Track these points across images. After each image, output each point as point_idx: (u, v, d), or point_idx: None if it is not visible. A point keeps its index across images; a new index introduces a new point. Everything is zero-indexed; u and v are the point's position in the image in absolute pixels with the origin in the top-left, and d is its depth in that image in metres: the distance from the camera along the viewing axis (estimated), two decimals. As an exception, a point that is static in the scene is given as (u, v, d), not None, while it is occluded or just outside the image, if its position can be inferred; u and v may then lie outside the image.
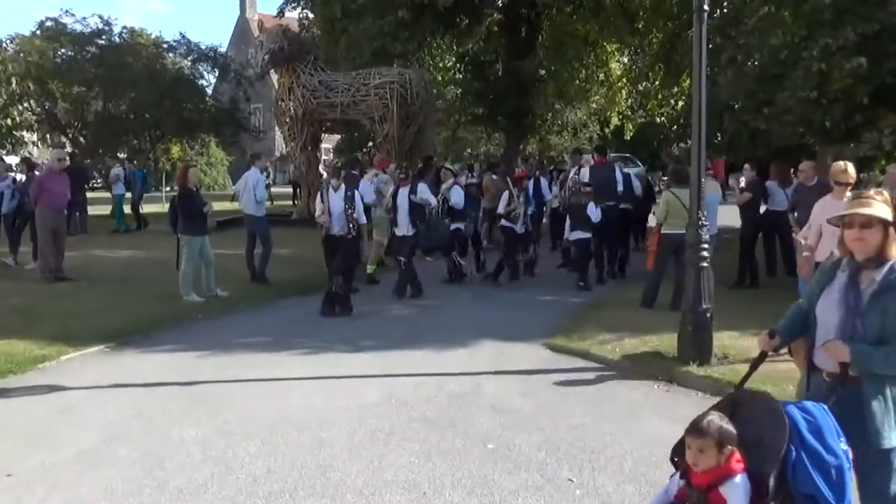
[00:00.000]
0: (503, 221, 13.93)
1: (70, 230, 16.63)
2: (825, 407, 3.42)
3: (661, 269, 11.62)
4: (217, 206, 25.08)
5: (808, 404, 3.43)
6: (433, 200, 13.45)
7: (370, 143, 28.62)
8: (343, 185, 11.80)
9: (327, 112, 23.37)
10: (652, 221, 14.56)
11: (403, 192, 13.09)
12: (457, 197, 14.06)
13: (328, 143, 39.57)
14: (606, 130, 40.03)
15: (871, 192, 3.75)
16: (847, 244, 3.74)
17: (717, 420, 3.39)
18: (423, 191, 13.33)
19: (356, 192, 12.04)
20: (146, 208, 24.93)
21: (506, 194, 13.79)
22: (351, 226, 11.55)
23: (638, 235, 17.87)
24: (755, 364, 3.92)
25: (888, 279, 3.60)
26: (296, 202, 29.62)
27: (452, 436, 6.32)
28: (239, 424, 6.61)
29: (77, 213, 20.87)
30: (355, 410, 6.99)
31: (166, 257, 13.96)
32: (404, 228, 13.02)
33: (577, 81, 30.37)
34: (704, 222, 8.62)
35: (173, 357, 8.99)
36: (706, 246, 8.57)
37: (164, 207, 16.43)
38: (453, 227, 13.89)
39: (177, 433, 6.41)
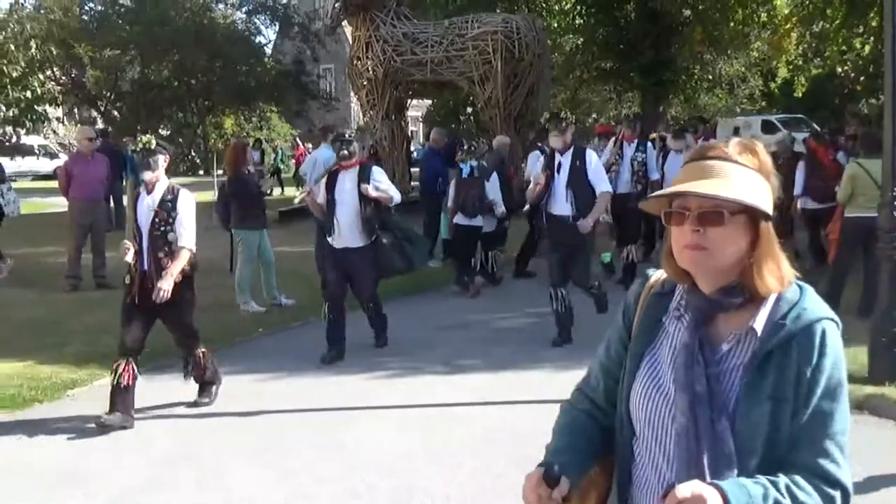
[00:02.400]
0: None
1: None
2: None
3: (845, 263, 11.33)
4: (279, 192, 25.54)
5: None
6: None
7: (469, 110, 28.76)
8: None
9: (414, 72, 23.47)
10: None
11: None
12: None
13: (416, 110, 39.84)
14: (772, 85, 39.32)
15: (732, 142, 2.39)
16: (677, 257, 2.37)
17: None
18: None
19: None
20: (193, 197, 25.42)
21: None
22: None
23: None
24: None
25: (779, 330, 2.27)
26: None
27: (577, 480, 6.25)
28: (308, 466, 6.71)
29: (111, 205, 21.47)
30: (455, 448, 7.02)
31: (217, 258, 14.22)
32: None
33: (733, 24, 29.88)
34: (903, 201, 8.38)
35: (228, 381, 9.10)
36: (906, 233, 8.33)
37: (215, 196, 16.70)
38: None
39: (233, 476, 6.52)
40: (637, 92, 31.28)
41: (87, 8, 31.84)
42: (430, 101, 34.22)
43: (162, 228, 7.90)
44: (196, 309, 8.51)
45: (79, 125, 26.57)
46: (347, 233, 9.94)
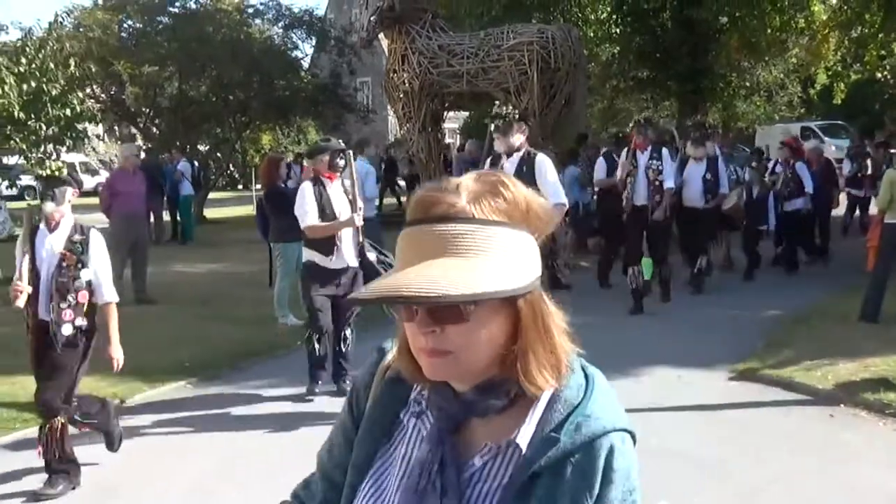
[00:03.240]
0: None
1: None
2: None
3: (885, 270, 11.28)
4: (318, 205, 25.62)
5: None
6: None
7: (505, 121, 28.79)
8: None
9: (450, 83, 23.51)
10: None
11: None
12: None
13: (453, 122, 39.94)
14: (811, 91, 39.07)
15: (466, 183, 1.69)
16: (416, 356, 1.71)
17: None
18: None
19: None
20: (231, 211, 25.69)
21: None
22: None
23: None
24: None
25: (550, 445, 1.66)
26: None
27: (615, 490, 6.26)
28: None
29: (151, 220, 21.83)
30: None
31: (257, 272, 14.38)
32: None
33: (770, 30, 29.70)
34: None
35: (269, 395, 9.23)
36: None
37: (254, 211, 16.87)
38: None
39: (275, 494, 6.55)
40: (674, 100, 31.18)
41: (125, 26, 32.14)
42: (466, 113, 34.29)
43: (69, 275, 6.62)
44: (83, 372, 7.08)
45: (120, 142, 26.91)
46: (346, 249, 9.14)
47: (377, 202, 15.14)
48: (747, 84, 33.61)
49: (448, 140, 34.23)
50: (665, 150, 13.14)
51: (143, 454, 7.44)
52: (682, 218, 14.50)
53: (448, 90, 24.03)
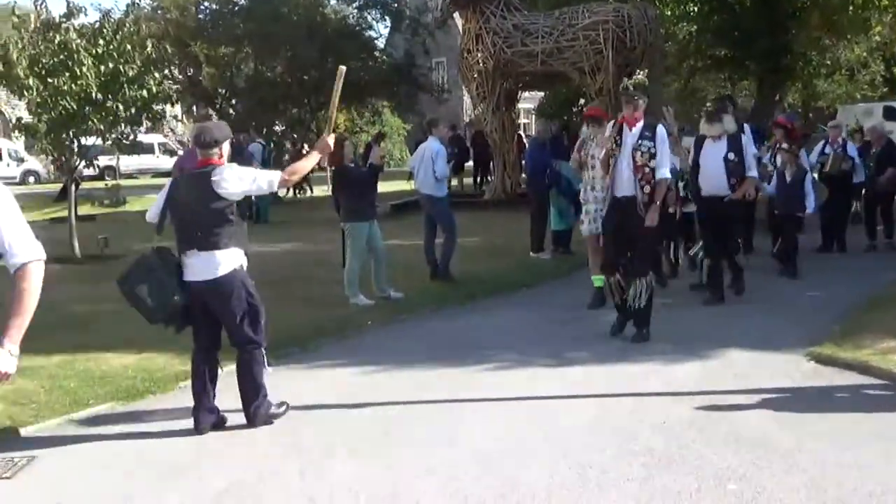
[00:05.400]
0: None
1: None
2: None
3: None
4: (392, 185, 25.86)
5: None
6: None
7: (581, 101, 28.59)
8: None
9: (525, 63, 23.47)
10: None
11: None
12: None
13: (527, 102, 39.74)
14: (895, 70, 38.30)
15: None
16: None
17: None
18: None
19: None
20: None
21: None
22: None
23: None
24: None
25: None
26: (487, 178, 29.97)
27: (683, 473, 6.21)
28: (413, 458, 6.75)
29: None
30: (558, 441, 6.99)
31: (330, 251, 14.44)
32: None
33: (852, 8, 29.15)
34: None
35: (336, 374, 9.27)
36: None
37: (328, 191, 16.97)
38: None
39: (339, 469, 6.60)
40: (752, 79, 30.77)
41: (202, 7, 32.44)
42: (541, 93, 34.10)
43: None
44: None
45: (193, 122, 27.16)
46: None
47: (447, 182, 15.00)
48: (828, 63, 33.09)
49: (523, 120, 34.13)
50: (661, 128, 10.27)
51: (210, 433, 7.48)
52: (702, 211, 12.43)
53: (522, 70, 24.00)
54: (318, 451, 7.00)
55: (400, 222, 20.17)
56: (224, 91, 33.26)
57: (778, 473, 6.14)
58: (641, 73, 23.56)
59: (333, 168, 12.94)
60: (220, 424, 7.59)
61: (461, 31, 26.24)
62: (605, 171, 10.43)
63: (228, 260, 7.34)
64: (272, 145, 30.05)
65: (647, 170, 9.96)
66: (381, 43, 38.29)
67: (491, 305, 12.45)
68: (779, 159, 14.67)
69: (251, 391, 7.61)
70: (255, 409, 7.57)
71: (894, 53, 35.51)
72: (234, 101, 33.48)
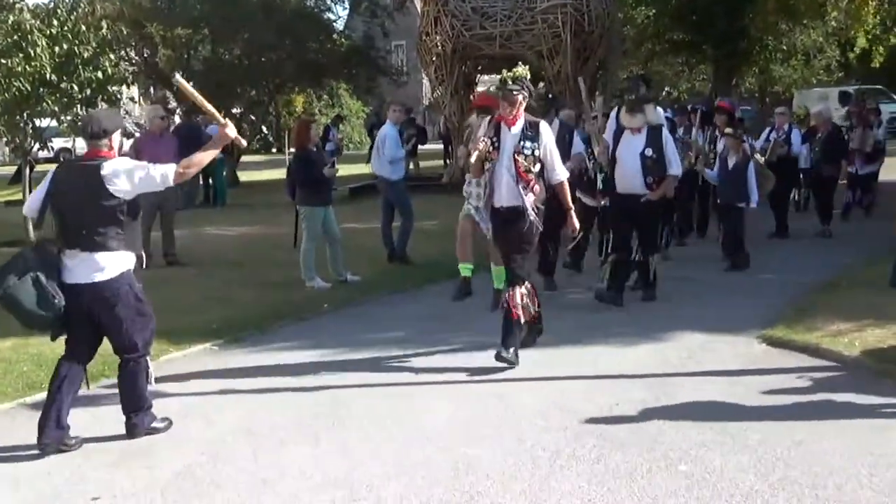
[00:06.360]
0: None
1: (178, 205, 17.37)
2: None
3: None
4: (351, 169, 25.79)
5: None
6: None
7: (540, 84, 28.64)
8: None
9: (483, 46, 23.47)
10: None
11: None
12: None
13: (486, 85, 39.69)
14: (850, 55, 38.59)
15: None
16: None
17: None
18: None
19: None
20: (265, 175, 25.76)
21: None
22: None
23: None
24: None
25: None
26: (447, 161, 29.95)
27: (635, 454, 6.29)
28: (366, 440, 6.79)
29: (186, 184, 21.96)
30: (512, 422, 7.05)
31: (287, 234, 14.43)
32: None
33: (808, -8, 29.45)
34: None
35: (292, 357, 9.27)
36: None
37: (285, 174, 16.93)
38: None
39: (292, 451, 6.62)
40: (709, 64, 30.94)
41: (158, -13, 32.11)
42: (499, 77, 34.07)
43: None
44: None
45: (150, 104, 26.94)
46: None
47: (403, 165, 14.96)
48: (784, 48, 33.31)
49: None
50: (545, 125, 8.76)
51: (165, 415, 7.46)
52: (615, 210, 11.31)
53: (481, 53, 24.00)
54: (272, 433, 7.01)
55: (358, 206, 20.19)
56: (181, 73, 32.92)
57: (727, 454, 6.22)
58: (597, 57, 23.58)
59: (295, 151, 12.93)
60: (66, 446, 6.76)
61: (420, 13, 26.20)
62: (476, 175, 8.84)
63: (115, 263, 6.71)
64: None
65: (530, 176, 8.40)
66: (339, 25, 38.11)
67: (448, 288, 12.41)
68: (720, 145, 14.08)
69: (133, 402, 7.02)
70: (136, 420, 7.01)
71: (850, 39, 35.74)
72: (191, 83, 33.12)
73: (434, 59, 23.99)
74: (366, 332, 10.13)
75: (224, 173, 25.39)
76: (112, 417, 7.33)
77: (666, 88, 40.13)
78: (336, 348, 9.51)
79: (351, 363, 9.00)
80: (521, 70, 8.36)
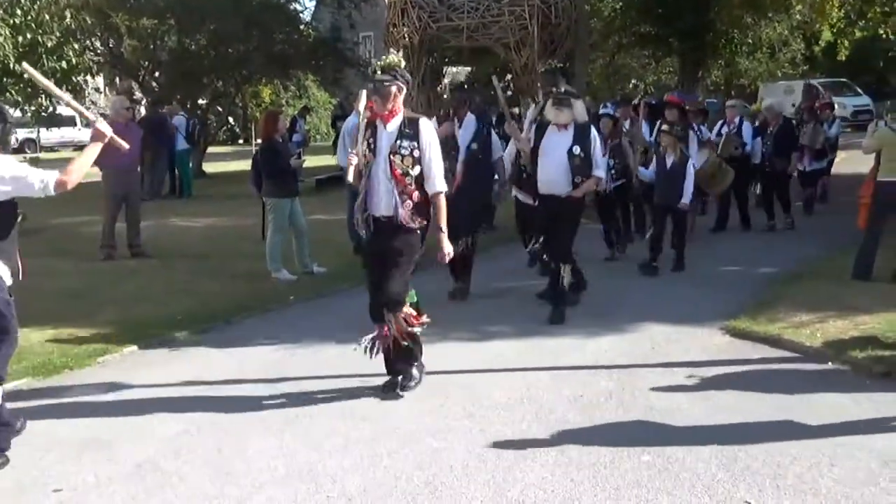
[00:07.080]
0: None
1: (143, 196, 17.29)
2: None
3: (877, 229, 11.25)
4: (317, 160, 25.71)
5: None
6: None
7: (508, 76, 28.65)
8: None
9: (450, 38, 23.45)
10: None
11: None
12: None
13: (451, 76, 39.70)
14: (815, 49, 38.88)
15: None
16: None
17: None
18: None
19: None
20: (231, 166, 25.67)
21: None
22: None
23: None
24: None
25: None
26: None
27: (598, 445, 6.33)
28: (332, 433, 6.79)
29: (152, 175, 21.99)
30: (476, 414, 7.07)
31: (254, 226, 14.41)
32: None
33: (773, -14, 29.61)
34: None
35: (257, 350, 9.25)
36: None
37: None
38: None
39: (257, 443, 6.61)
40: (676, 57, 31.05)
41: (123, -23, 31.83)
42: (466, 69, 34.09)
43: None
44: None
45: (115, 95, 26.77)
46: None
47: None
48: (750, 41, 33.48)
49: (448, 96, 34.11)
50: (425, 121, 7.70)
51: (128, 407, 7.44)
52: (538, 210, 10.43)
53: (448, 45, 23.97)
54: (237, 426, 7.00)
55: (324, 197, 20.15)
56: (147, 63, 32.72)
57: (690, 444, 6.26)
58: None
59: (262, 142, 12.88)
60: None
61: (387, 4, 26.12)
62: (355, 181, 7.76)
63: None
64: (196, 119, 29.68)
65: (407, 180, 7.42)
66: (306, 16, 37.92)
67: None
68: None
69: None
70: None
71: (815, 32, 36.00)
72: (157, 74, 32.96)
73: (401, 50, 23.92)
74: (331, 325, 10.07)
75: (190, 164, 25.28)
76: (74, 409, 7.32)
77: (633, 81, 40.30)
78: (302, 340, 9.49)
79: (317, 355, 8.99)
80: (394, 58, 7.43)
